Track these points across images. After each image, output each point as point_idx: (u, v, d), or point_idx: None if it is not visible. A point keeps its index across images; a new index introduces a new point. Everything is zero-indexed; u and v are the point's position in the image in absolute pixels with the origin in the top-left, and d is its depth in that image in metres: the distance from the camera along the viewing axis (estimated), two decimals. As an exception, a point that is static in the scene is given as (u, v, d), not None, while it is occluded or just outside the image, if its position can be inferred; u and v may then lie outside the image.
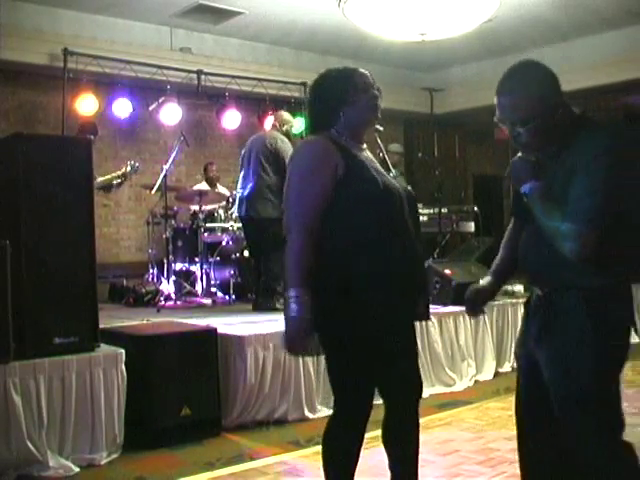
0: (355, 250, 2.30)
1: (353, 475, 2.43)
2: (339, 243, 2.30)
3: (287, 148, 5.65)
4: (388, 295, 2.30)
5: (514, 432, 2.30)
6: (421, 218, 7.18)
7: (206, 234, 6.85)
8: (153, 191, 7.04)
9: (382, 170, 2.50)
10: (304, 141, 2.50)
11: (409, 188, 2.52)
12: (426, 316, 2.57)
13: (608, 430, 2.11)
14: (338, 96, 2.44)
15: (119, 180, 6.40)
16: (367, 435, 2.43)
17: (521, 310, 2.54)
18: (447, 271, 5.62)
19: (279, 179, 5.54)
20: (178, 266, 6.94)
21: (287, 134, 5.94)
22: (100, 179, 6.23)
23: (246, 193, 5.74)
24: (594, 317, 2.08)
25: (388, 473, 2.54)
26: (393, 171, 6.37)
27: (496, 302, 5.61)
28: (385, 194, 2.38)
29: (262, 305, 5.67)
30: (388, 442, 2.52)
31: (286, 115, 6.18)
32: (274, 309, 5.55)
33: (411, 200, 2.51)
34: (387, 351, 2.32)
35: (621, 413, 2.15)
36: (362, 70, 2.52)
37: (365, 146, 2.55)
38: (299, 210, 2.31)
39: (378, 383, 2.45)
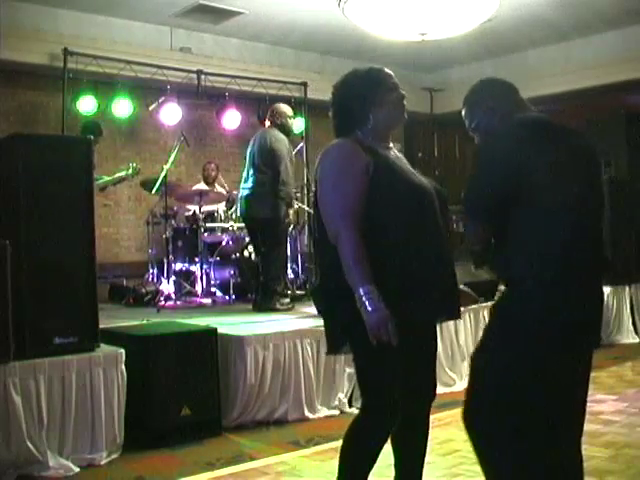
0: (386, 250, 2.29)
1: (367, 476, 2.43)
2: (371, 243, 2.28)
3: (281, 147, 5.56)
4: (417, 295, 2.30)
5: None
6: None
7: (206, 234, 6.84)
8: (153, 191, 7.04)
9: (411, 169, 2.49)
10: (330, 145, 2.47)
11: (439, 187, 2.49)
12: (456, 315, 2.54)
13: (508, 434, 2.11)
14: (367, 96, 2.43)
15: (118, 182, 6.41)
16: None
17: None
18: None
19: (273, 179, 5.52)
20: (178, 266, 6.94)
21: (283, 127, 5.79)
22: (100, 181, 6.23)
23: (245, 193, 5.73)
24: (502, 318, 2.16)
25: (387, 472, 2.54)
26: None
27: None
28: (415, 193, 2.37)
29: (261, 306, 5.66)
30: (396, 442, 2.52)
31: (282, 107, 5.98)
32: (274, 309, 5.55)
33: (442, 198, 2.49)
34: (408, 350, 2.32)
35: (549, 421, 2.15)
36: (388, 70, 2.51)
37: (392, 145, 2.53)
38: (342, 211, 2.28)
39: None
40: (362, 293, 2.19)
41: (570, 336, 2.08)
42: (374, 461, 2.41)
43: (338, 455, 2.43)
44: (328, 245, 2.32)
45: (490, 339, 2.21)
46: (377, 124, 2.43)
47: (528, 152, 2.09)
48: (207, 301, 6.58)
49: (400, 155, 2.56)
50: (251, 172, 5.70)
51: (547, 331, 2.07)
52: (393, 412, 2.35)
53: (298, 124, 8.69)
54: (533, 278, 2.09)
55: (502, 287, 2.24)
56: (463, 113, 2.41)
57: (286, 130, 5.80)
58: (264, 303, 5.66)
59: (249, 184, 5.69)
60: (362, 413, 2.42)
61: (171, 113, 7.93)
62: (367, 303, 2.18)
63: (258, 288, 5.90)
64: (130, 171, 6.43)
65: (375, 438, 2.39)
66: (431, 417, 2.50)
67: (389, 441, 2.49)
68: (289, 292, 6.11)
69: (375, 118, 2.42)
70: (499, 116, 2.29)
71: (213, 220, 6.98)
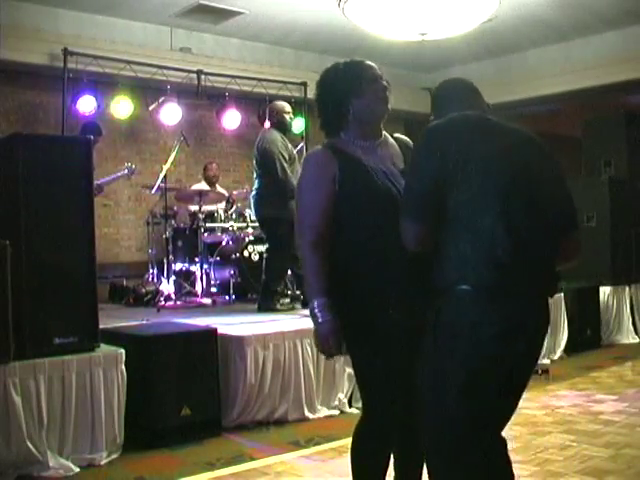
0: (355, 256, 2.33)
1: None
2: (341, 252, 2.33)
3: (272, 148, 5.51)
4: (389, 299, 2.29)
5: (512, 432, 2.31)
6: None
7: (206, 234, 6.85)
8: (153, 191, 7.05)
9: (394, 169, 2.41)
10: (307, 155, 2.55)
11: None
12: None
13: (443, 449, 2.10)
14: (345, 87, 2.40)
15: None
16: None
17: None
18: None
19: (271, 180, 5.52)
20: (178, 266, 6.94)
21: (281, 124, 5.72)
22: (97, 182, 6.22)
23: (251, 195, 5.81)
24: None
25: (391, 472, 2.54)
26: None
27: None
28: (379, 200, 2.33)
29: (261, 306, 5.66)
30: (397, 444, 2.51)
31: (278, 104, 5.93)
32: (274, 310, 5.55)
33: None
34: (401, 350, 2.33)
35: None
36: (369, 62, 2.47)
37: (381, 141, 2.48)
38: (306, 224, 2.35)
39: None
40: (315, 305, 2.28)
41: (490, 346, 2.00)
42: (386, 463, 2.41)
43: (349, 457, 2.44)
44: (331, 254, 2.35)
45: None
46: (358, 117, 2.40)
47: (450, 147, 2.05)
48: (207, 301, 6.58)
49: (394, 150, 2.49)
50: (254, 175, 5.76)
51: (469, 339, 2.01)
52: (390, 414, 2.35)
53: (298, 124, 8.70)
54: (458, 284, 2.03)
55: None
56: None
57: (284, 127, 5.75)
58: (264, 303, 5.66)
59: (254, 186, 5.74)
60: (362, 416, 2.43)
61: (171, 113, 7.93)
62: (318, 315, 2.27)
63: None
64: (125, 171, 6.42)
65: (376, 440, 2.38)
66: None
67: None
68: (289, 292, 6.10)
69: (355, 110, 2.39)
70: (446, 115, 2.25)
71: (213, 220, 6.99)
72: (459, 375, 2.01)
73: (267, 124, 5.89)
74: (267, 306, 5.60)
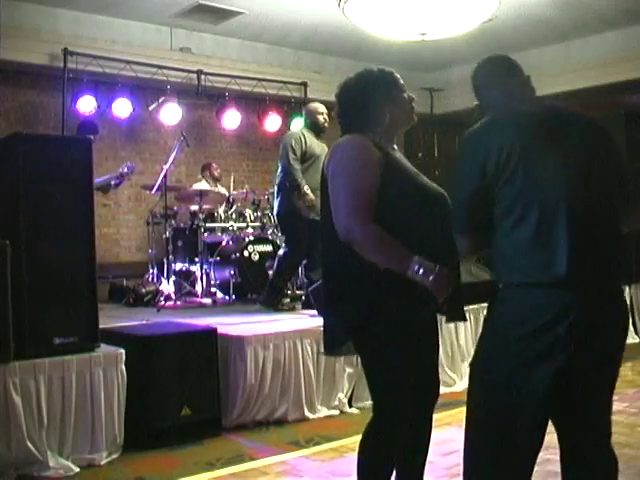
0: None
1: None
2: None
3: (287, 141, 5.55)
4: (423, 294, 2.25)
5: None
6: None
7: (206, 234, 6.84)
8: (153, 191, 7.04)
9: (417, 171, 2.48)
10: (344, 140, 2.42)
11: (441, 190, 2.45)
12: (462, 317, 2.54)
13: None
14: (386, 94, 2.43)
15: (117, 181, 6.39)
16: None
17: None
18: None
19: (283, 176, 5.56)
20: (178, 266, 6.94)
21: (313, 125, 5.68)
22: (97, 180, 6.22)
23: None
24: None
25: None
26: None
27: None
28: (424, 193, 2.37)
29: (263, 301, 5.67)
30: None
31: (311, 106, 5.89)
32: (275, 309, 5.55)
33: (445, 202, 2.44)
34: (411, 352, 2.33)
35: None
36: (395, 72, 2.53)
37: (396, 147, 2.53)
38: (355, 207, 2.24)
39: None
40: (415, 269, 2.17)
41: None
42: (394, 464, 2.41)
43: (349, 457, 2.44)
44: (334, 243, 2.30)
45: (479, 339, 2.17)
46: (391, 123, 2.44)
47: (489, 150, 2.00)
48: (207, 301, 6.58)
49: (404, 158, 2.55)
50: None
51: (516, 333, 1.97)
52: (405, 415, 2.35)
53: (298, 124, 8.70)
54: (507, 281, 2.02)
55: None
56: None
57: (316, 127, 5.68)
58: (266, 299, 5.67)
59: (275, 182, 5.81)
60: (374, 416, 2.40)
61: (171, 113, 7.93)
62: (424, 275, 2.17)
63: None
64: (125, 170, 6.41)
65: (389, 441, 2.37)
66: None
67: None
68: (289, 292, 6.10)
69: (392, 116, 2.43)
70: (485, 107, 2.23)
71: (213, 220, 6.98)
72: (501, 375, 1.98)
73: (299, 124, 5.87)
74: (269, 302, 5.61)
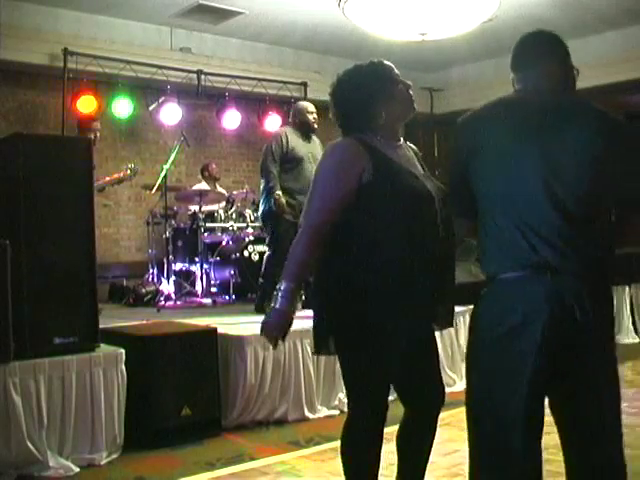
0: (380, 256, 2.25)
1: (377, 477, 2.42)
2: (366, 248, 2.26)
3: (270, 143, 5.49)
4: (400, 300, 2.24)
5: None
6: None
7: (206, 234, 6.85)
8: (153, 191, 7.05)
9: (417, 171, 2.41)
10: (333, 144, 2.41)
11: (432, 191, 2.38)
12: (448, 323, 2.50)
13: None
14: (377, 92, 2.37)
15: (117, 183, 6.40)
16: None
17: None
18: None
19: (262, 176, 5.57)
20: (178, 266, 6.94)
21: (303, 124, 5.56)
22: (99, 182, 6.21)
23: None
24: None
25: (387, 472, 2.54)
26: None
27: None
28: (412, 198, 2.30)
29: (256, 305, 5.68)
30: (402, 444, 2.52)
31: (300, 105, 5.79)
32: (263, 312, 5.54)
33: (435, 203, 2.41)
34: (403, 356, 2.32)
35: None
36: (387, 62, 2.45)
37: (402, 141, 2.48)
38: (316, 208, 2.30)
39: (397, 389, 2.48)
40: (282, 288, 2.25)
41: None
42: (377, 461, 2.40)
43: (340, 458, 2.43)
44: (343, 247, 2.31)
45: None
46: (390, 118, 2.38)
47: (473, 138, 2.00)
48: (207, 301, 6.59)
49: (411, 152, 2.50)
50: None
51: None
52: (377, 412, 2.35)
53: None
54: (491, 277, 2.00)
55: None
56: None
57: (306, 127, 5.56)
58: (258, 302, 5.66)
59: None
60: (349, 414, 2.44)
61: (171, 113, 7.93)
62: (279, 299, 2.24)
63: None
64: (128, 172, 6.42)
65: (364, 438, 2.39)
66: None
67: (393, 440, 2.50)
68: None
69: (387, 113, 2.37)
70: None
71: (213, 220, 6.98)
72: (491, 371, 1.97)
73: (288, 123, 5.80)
74: (259, 305, 5.60)
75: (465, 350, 2.13)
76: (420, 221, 2.30)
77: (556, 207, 1.92)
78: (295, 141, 5.49)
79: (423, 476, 2.54)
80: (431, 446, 2.55)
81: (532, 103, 2.03)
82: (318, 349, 2.47)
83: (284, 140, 5.46)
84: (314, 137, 5.64)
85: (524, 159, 1.94)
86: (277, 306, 2.24)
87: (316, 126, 5.57)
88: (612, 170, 1.99)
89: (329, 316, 2.33)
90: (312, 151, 5.51)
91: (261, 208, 5.63)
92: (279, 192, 5.33)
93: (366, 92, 2.37)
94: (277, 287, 2.26)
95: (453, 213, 2.20)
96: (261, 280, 5.75)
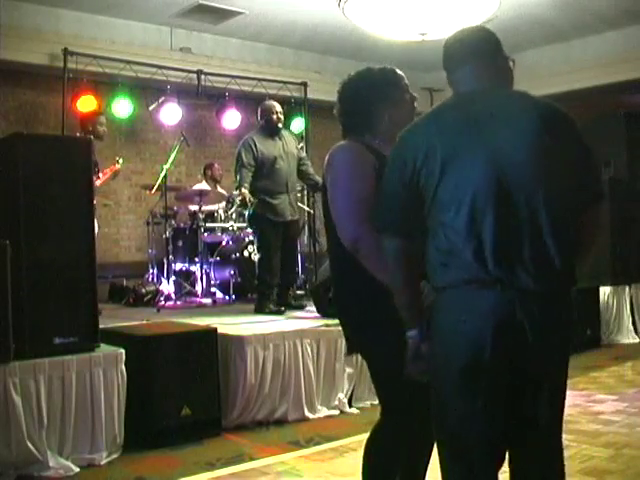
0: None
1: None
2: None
3: (240, 149, 5.53)
4: None
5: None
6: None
7: (206, 234, 6.84)
8: (153, 191, 7.05)
9: None
10: (339, 148, 2.38)
11: None
12: None
13: None
14: (386, 95, 2.39)
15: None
16: (367, 436, 2.43)
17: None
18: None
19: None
20: (178, 266, 6.94)
21: (268, 125, 5.58)
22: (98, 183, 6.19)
23: None
24: None
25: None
26: None
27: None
28: None
29: (256, 308, 5.69)
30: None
31: (266, 104, 5.76)
32: (267, 312, 5.55)
33: None
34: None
35: None
36: (400, 71, 2.49)
37: None
38: (359, 217, 2.17)
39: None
40: (412, 335, 2.04)
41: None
42: (399, 463, 2.40)
43: (351, 457, 2.42)
44: (339, 247, 2.28)
45: None
46: (391, 124, 2.38)
47: (417, 150, 1.92)
48: (207, 301, 6.59)
49: None
50: None
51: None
52: (414, 412, 2.31)
53: (297, 124, 8.71)
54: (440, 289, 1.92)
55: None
56: None
57: (270, 127, 5.60)
58: (256, 304, 5.69)
59: None
60: (382, 418, 2.38)
61: (171, 113, 7.93)
62: (410, 342, 2.05)
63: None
64: (117, 165, 6.39)
65: (400, 441, 2.36)
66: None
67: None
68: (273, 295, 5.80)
69: (390, 118, 2.38)
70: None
71: (213, 220, 6.98)
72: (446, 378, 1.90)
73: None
74: (256, 308, 5.64)
75: None
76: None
77: (508, 215, 1.83)
78: (263, 144, 5.53)
79: (425, 475, 2.54)
80: (433, 445, 2.53)
81: (469, 105, 1.98)
82: (350, 350, 2.46)
83: (253, 147, 5.50)
84: (283, 133, 5.69)
85: (473, 163, 1.86)
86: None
87: (280, 125, 5.62)
88: (565, 165, 1.90)
89: (355, 315, 2.31)
90: (284, 147, 5.60)
91: (247, 212, 5.74)
92: (244, 189, 5.40)
93: (375, 93, 2.39)
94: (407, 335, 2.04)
95: (381, 230, 1.99)
96: (256, 282, 5.80)
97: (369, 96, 2.39)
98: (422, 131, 2.00)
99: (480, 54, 2.05)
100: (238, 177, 5.51)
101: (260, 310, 5.55)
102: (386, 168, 2.05)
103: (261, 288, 5.67)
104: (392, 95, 2.41)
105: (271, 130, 5.61)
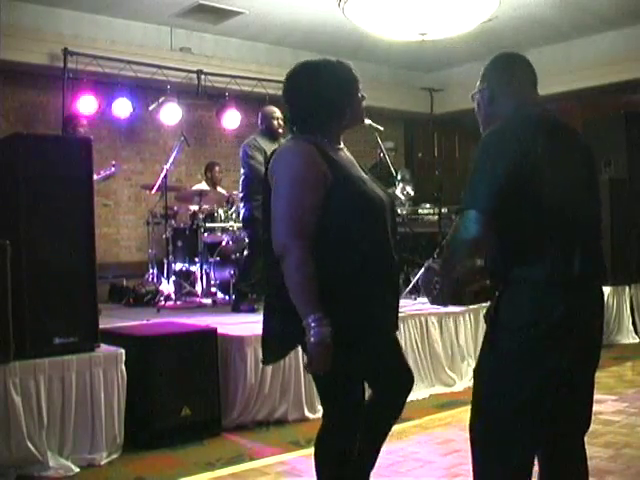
0: (341, 265, 2.20)
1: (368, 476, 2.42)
2: (325, 257, 2.17)
3: (244, 154, 5.55)
4: (368, 307, 2.23)
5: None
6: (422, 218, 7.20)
7: (206, 234, 6.84)
8: (153, 191, 7.04)
9: (363, 176, 2.36)
10: (287, 148, 2.29)
11: (390, 191, 2.39)
12: (397, 327, 2.49)
13: None
14: (350, 94, 2.29)
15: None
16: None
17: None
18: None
19: (246, 181, 5.60)
20: (178, 266, 6.94)
21: (268, 130, 5.60)
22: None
23: None
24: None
25: (387, 472, 2.53)
26: (399, 176, 6.28)
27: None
28: (371, 206, 2.27)
29: (234, 307, 5.74)
30: (367, 426, 2.44)
31: (266, 109, 5.78)
32: (237, 310, 5.62)
33: (392, 205, 2.40)
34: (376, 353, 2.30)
35: None
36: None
37: (342, 145, 2.39)
38: (294, 227, 2.13)
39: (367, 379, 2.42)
40: (310, 321, 2.08)
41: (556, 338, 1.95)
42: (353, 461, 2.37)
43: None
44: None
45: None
46: (349, 120, 2.32)
47: (530, 150, 1.96)
48: (207, 301, 6.59)
49: (351, 155, 2.42)
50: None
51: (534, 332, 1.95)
52: (358, 421, 2.31)
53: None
54: (516, 277, 1.98)
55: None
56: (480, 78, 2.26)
57: (271, 132, 5.62)
58: (233, 303, 5.80)
59: None
60: (324, 425, 2.34)
61: (171, 113, 7.93)
62: (312, 332, 2.08)
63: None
64: (113, 169, 6.39)
65: (346, 442, 2.31)
66: (431, 417, 2.51)
67: (393, 440, 2.49)
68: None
69: (351, 113, 2.30)
70: (508, 102, 2.14)
71: (213, 220, 6.98)
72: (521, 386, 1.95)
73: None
74: (233, 305, 5.72)
75: (473, 350, 2.14)
76: (378, 228, 2.28)
77: (595, 225, 2.10)
78: (266, 145, 5.52)
79: (377, 458, 2.52)
80: (392, 425, 2.51)
81: (551, 120, 2.12)
82: (276, 357, 2.43)
83: (259, 147, 5.50)
84: (281, 140, 5.66)
85: (575, 176, 2.04)
86: (320, 337, 2.08)
87: (281, 131, 5.60)
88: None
89: (297, 321, 2.18)
90: None
91: (243, 212, 5.68)
92: None
93: (343, 91, 2.29)
94: (305, 322, 2.09)
95: (481, 209, 1.92)
96: (235, 281, 5.91)
97: (338, 93, 2.28)
98: (534, 136, 2.07)
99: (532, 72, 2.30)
100: (253, 172, 5.40)
101: (235, 308, 5.65)
102: (482, 158, 2.01)
103: (239, 286, 5.77)
104: (352, 91, 2.31)
105: (272, 135, 5.63)
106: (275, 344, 2.34)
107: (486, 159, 2.01)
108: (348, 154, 2.41)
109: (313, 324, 2.08)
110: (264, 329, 2.34)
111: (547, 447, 2.12)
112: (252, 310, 5.51)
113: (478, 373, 2.12)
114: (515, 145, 1.96)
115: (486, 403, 2.05)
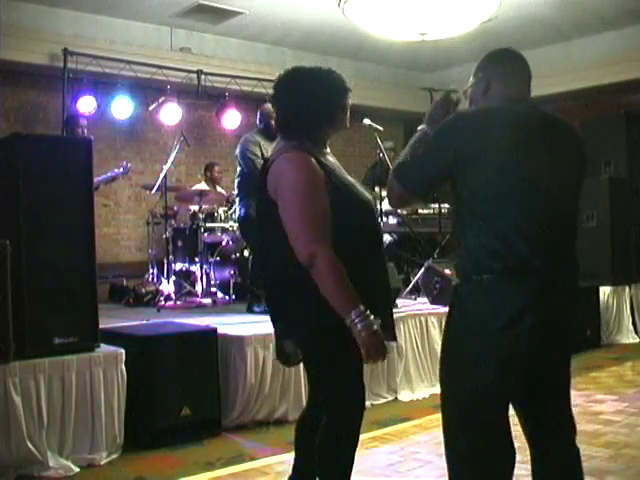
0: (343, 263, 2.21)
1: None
2: None
3: (244, 151, 5.50)
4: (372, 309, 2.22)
5: (512, 432, 2.30)
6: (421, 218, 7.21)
7: (206, 234, 6.85)
8: (153, 191, 7.05)
9: (350, 178, 2.41)
10: (289, 158, 2.28)
11: (369, 196, 2.41)
12: (393, 337, 2.49)
13: None
14: (340, 95, 2.35)
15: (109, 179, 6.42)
16: (367, 435, 2.43)
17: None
18: (447, 271, 5.61)
19: (243, 180, 5.57)
20: (178, 266, 6.94)
21: (267, 129, 5.52)
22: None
23: None
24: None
25: (387, 472, 2.53)
26: None
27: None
28: (365, 208, 2.34)
29: (248, 307, 5.73)
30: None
31: (265, 108, 5.68)
32: (251, 311, 5.60)
33: (373, 209, 2.46)
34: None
35: None
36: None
37: (328, 149, 2.45)
38: (317, 232, 2.17)
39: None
40: (353, 317, 2.11)
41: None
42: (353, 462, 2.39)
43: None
44: (278, 259, 2.29)
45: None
46: (334, 128, 2.38)
47: (473, 136, 2.01)
48: (207, 301, 6.58)
49: (335, 160, 2.45)
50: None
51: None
52: (362, 413, 2.34)
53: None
54: (476, 274, 2.04)
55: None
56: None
57: (271, 131, 5.46)
58: (249, 304, 5.73)
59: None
60: (330, 421, 2.34)
61: (171, 113, 7.93)
62: (360, 327, 2.11)
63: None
64: (121, 170, 6.41)
65: (353, 443, 2.34)
66: (431, 417, 2.51)
67: (391, 440, 2.49)
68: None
69: (338, 122, 2.36)
70: (500, 94, 2.18)
71: (213, 220, 6.99)
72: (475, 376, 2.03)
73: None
74: (248, 307, 5.68)
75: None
76: (372, 229, 2.36)
77: (554, 217, 2.06)
78: (265, 143, 5.47)
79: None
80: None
81: (522, 114, 2.11)
82: (288, 358, 2.45)
83: (257, 144, 5.46)
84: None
85: (529, 167, 2.03)
86: (374, 327, 2.12)
87: None
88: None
89: (304, 322, 2.25)
90: None
91: (243, 210, 5.57)
92: None
93: (337, 97, 2.35)
94: (349, 320, 2.12)
95: (410, 188, 2.14)
96: (248, 282, 5.86)
97: (332, 99, 2.34)
98: (477, 125, 2.12)
99: (526, 74, 2.29)
100: (251, 167, 5.36)
101: (249, 309, 5.62)
102: (436, 133, 2.10)
103: (251, 286, 5.75)
104: (343, 98, 2.37)
105: (270, 134, 5.54)
106: (314, 323, 2.30)
107: (433, 138, 2.13)
108: (333, 158, 2.45)
109: (357, 319, 2.11)
110: (290, 318, 2.36)
111: (536, 448, 2.18)
112: (266, 312, 5.45)
113: (441, 359, 2.20)
114: (456, 136, 2.04)
115: (448, 388, 2.13)
